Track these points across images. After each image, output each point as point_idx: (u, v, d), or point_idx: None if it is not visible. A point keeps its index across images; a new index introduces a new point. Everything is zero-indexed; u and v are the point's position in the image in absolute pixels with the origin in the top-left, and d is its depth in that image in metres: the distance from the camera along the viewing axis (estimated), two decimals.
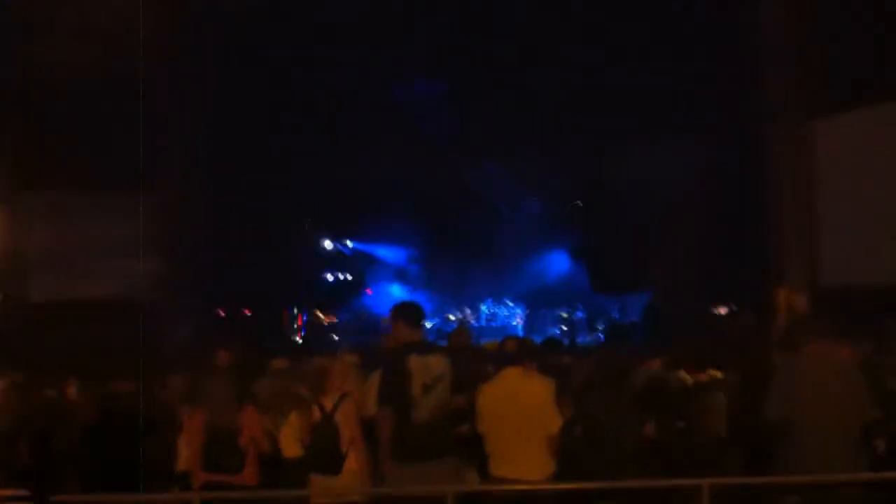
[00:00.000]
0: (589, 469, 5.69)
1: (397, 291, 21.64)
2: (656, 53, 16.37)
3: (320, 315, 20.09)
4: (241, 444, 5.94)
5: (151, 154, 14.70)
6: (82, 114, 15.58)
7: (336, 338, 19.11)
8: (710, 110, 15.89)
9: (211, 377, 6.40)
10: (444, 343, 9.48)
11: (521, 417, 5.86)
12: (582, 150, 18.65)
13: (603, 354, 6.88)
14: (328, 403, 6.06)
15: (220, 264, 16.97)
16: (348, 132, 18.36)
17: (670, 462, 5.93)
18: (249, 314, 18.14)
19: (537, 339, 9.12)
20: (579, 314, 20.21)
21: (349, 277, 22.18)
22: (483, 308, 20.96)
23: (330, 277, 22.08)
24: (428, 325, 17.73)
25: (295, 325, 20.01)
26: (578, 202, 20.95)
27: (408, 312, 6.35)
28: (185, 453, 6.33)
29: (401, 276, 22.36)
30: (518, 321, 20.79)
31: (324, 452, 5.96)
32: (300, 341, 19.30)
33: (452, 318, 20.54)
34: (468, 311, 20.71)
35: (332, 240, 21.86)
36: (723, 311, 15.83)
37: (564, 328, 19.77)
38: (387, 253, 22.30)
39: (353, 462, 5.98)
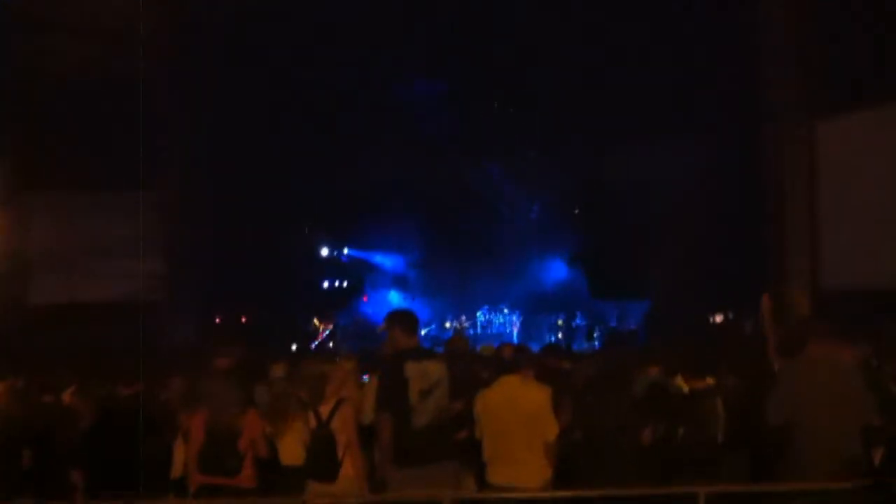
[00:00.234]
0: (587, 475, 5.69)
1: (395, 298, 21.65)
2: (656, 53, 16.37)
3: (317, 322, 20.05)
4: (241, 447, 5.94)
5: (151, 154, 14.69)
6: (82, 114, 15.59)
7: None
8: (710, 110, 15.87)
9: (212, 379, 6.39)
10: (441, 349, 9.46)
11: (519, 424, 5.88)
12: (582, 150, 18.65)
13: (601, 361, 6.85)
14: (325, 409, 6.06)
15: (220, 264, 16.97)
16: (348, 132, 18.37)
17: (668, 468, 5.94)
18: (250, 316, 18.06)
19: (534, 347, 9.15)
20: (577, 321, 20.12)
21: (346, 284, 22.13)
22: (479, 315, 20.90)
23: (326, 284, 22.05)
24: (424, 331, 17.67)
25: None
26: (576, 210, 20.85)
27: (403, 320, 6.37)
28: (183, 455, 6.34)
29: (398, 282, 22.30)
30: (514, 328, 20.71)
31: (320, 458, 5.96)
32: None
33: (449, 324, 20.51)
34: (463, 318, 20.66)
35: (330, 245, 21.81)
36: (720, 317, 15.78)
37: (561, 335, 19.67)
38: (384, 259, 22.21)
39: (350, 468, 5.97)
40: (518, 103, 18.85)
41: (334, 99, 18.06)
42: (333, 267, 22.10)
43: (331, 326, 20.08)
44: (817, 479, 5.20)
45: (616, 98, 17.00)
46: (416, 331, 6.37)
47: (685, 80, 16.21)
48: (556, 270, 21.87)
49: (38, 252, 16.35)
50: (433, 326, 20.30)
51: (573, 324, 20.13)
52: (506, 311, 20.97)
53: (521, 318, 20.85)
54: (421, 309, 19.11)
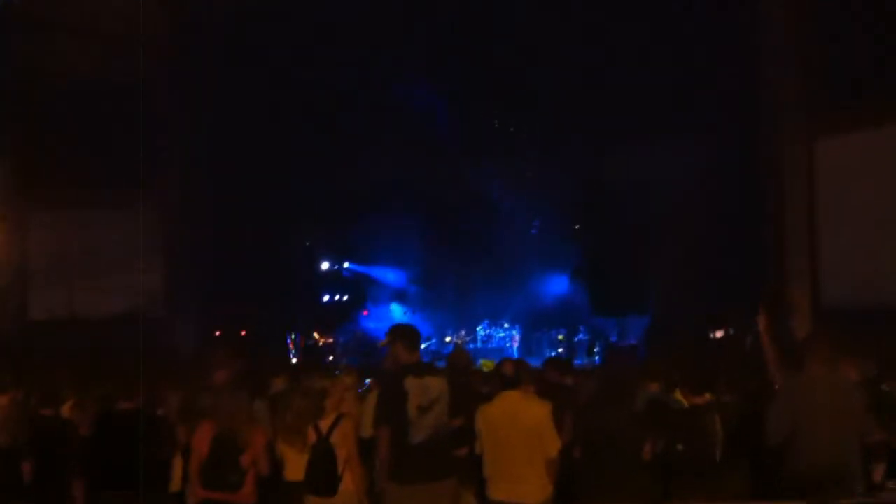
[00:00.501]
0: (587, 491, 5.70)
1: (396, 312, 21.55)
2: (656, 53, 16.33)
3: (317, 335, 19.98)
4: (244, 462, 5.92)
5: (151, 154, 14.69)
6: (82, 114, 15.60)
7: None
8: (710, 110, 15.85)
9: (216, 392, 6.35)
10: (442, 364, 9.45)
11: (520, 439, 5.87)
12: (582, 150, 18.61)
13: (601, 376, 6.85)
14: (325, 424, 6.06)
15: (220, 264, 16.98)
16: (348, 132, 18.33)
17: (668, 483, 5.95)
18: (250, 330, 18.02)
19: (534, 362, 9.14)
20: (578, 336, 20.00)
21: (347, 297, 22.07)
22: (480, 329, 20.79)
23: (327, 297, 21.99)
24: (424, 346, 17.56)
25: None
26: (577, 226, 20.77)
27: (406, 335, 6.35)
28: (181, 469, 6.33)
29: (398, 296, 22.19)
30: (515, 343, 20.59)
31: (320, 473, 5.96)
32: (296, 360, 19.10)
33: (449, 339, 20.42)
34: (464, 333, 20.55)
35: (331, 259, 21.74)
36: (720, 333, 15.72)
37: (561, 350, 19.53)
38: (385, 273, 22.08)
39: (350, 482, 5.97)
40: (518, 103, 18.80)
41: (334, 99, 18.02)
42: (334, 281, 22.02)
43: (331, 340, 20.01)
44: (817, 495, 5.21)
45: (616, 98, 16.96)
46: (417, 346, 6.36)
47: (685, 80, 16.18)
48: (557, 285, 21.69)
49: (38, 251, 16.41)
50: (433, 341, 20.18)
51: (574, 339, 19.99)
52: (506, 325, 20.83)
53: (522, 333, 20.73)
54: (421, 323, 19.06)
